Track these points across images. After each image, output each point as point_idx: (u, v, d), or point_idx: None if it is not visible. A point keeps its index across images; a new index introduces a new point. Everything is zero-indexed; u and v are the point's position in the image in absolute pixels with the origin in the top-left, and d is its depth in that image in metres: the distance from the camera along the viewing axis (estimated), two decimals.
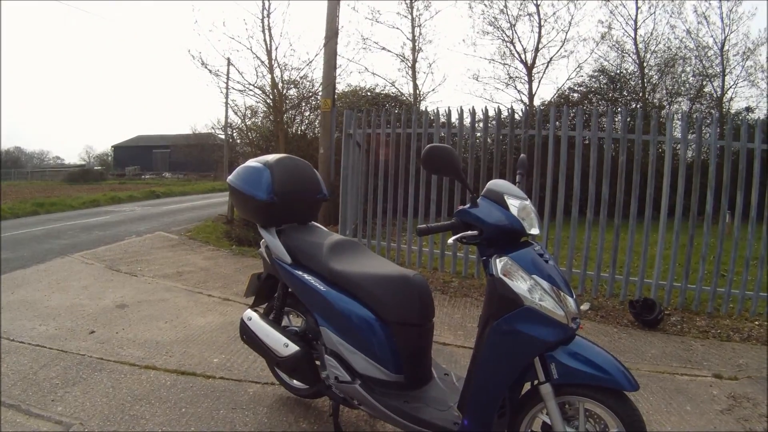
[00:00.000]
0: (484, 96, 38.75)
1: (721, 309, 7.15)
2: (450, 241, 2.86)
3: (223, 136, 50.94)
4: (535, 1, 29.06)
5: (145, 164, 59.57)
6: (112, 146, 68.72)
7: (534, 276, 2.67)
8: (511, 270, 2.68)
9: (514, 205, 2.80)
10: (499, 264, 2.70)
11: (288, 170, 3.85)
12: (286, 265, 3.69)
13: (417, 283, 3.21)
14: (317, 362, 3.65)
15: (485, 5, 30.09)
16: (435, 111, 8.65)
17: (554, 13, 35.90)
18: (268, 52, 12.93)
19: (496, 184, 2.94)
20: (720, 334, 6.37)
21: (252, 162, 3.92)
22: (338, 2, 12.62)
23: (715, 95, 27.31)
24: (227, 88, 14.87)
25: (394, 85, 26.84)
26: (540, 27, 28.60)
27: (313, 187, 4.03)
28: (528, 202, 2.86)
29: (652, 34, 28.76)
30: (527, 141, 8.02)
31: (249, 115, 15.06)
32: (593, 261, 7.65)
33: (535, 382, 2.76)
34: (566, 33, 30.90)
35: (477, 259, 8.27)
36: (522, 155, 3.50)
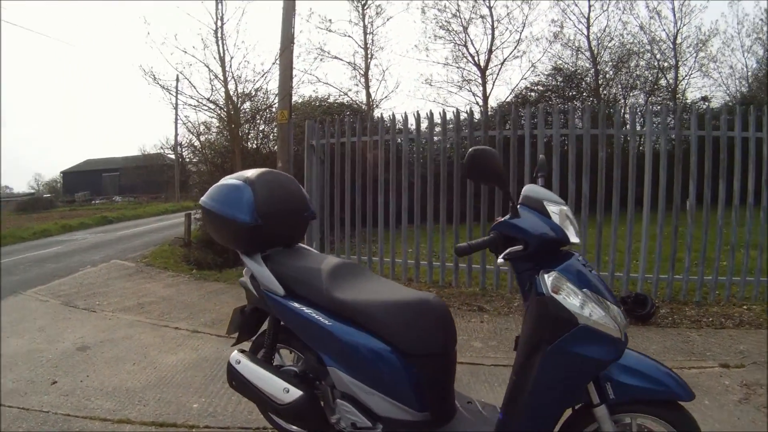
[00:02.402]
0: (437, 100, 38.62)
1: (709, 297, 7.23)
2: (500, 260, 2.56)
3: (173, 156, 50.55)
4: (487, 3, 28.99)
5: (94, 189, 58.06)
6: (60, 172, 67.08)
7: (584, 290, 2.45)
8: (561, 285, 2.44)
9: (554, 212, 2.58)
10: (549, 280, 2.45)
11: (271, 186, 3.39)
12: (278, 298, 3.22)
13: (437, 308, 2.89)
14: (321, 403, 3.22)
15: (438, 10, 30.05)
16: (403, 116, 8.44)
17: (508, 14, 35.85)
18: (223, 64, 12.41)
19: (533, 189, 2.70)
20: (713, 322, 6.44)
21: (228, 179, 3.42)
22: (294, 9, 12.18)
23: (669, 87, 28.02)
24: (176, 105, 14.46)
25: (347, 95, 26.69)
26: (493, 29, 28.91)
27: (299, 204, 3.58)
28: (566, 207, 2.65)
29: (605, 30, 29.11)
30: (487, 142, 7.83)
31: (203, 131, 14.51)
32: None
33: (577, 406, 2.63)
34: (520, 33, 30.82)
35: (481, 270, 7.99)
36: (541, 156, 3.12)
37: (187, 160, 47.08)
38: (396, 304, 2.91)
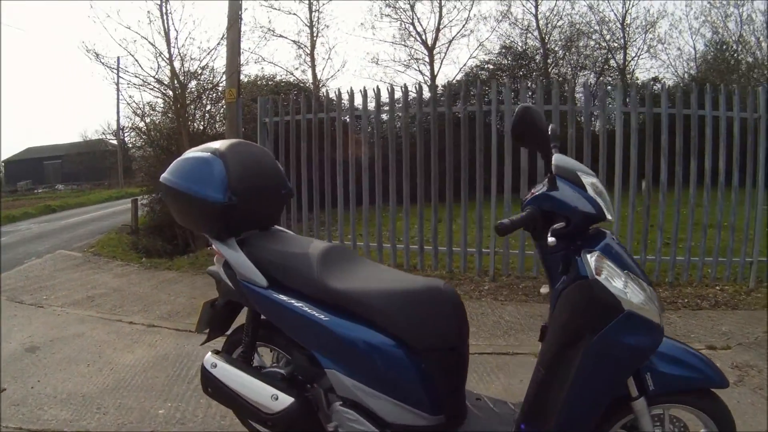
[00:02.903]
0: (384, 80, 38.82)
1: (681, 278, 7.25)
2: (551, 240, 2.22)
3: (115, 142, 49.38)
4: None
5: (37, 178, 56.23)
6: (2, 162, 65.10)
7: (626, 271, 2.25)
8: (602, 266, 2.22)
9: (588, 184, 2.35)
10: (592, 261, 2.21)
11: (244, 159, 2.95)
12: (260, 290, 2.78)
13: (448, 296, 2.54)
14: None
15: None
16: (363, 91, 8.15)
17: None
18: (168, 41, 11.89)
19: (563, 159, 2.48)
20: (689, 303, 6.41)
21: (193, 152, 2.95)
22: None
23: (618, 67, 28.93)
24: (117, 84, 13.91)
25: (293, 74, 26.25)
26: (441, 6, 29.20)
27: (275, 180, 3.16)
28: (597, 179, 2.44)
29: (553, 10, 29.52)
30: (437, 120, 7.73)
31: (147, 112, 13.92)
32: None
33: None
34: (469, 11, 30.93)
35: (500, 253, 7.69)
36: (552, 125, 2.76)
37: (130, 144, 46.46)
38: (402, 292, 2.57)
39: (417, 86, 8.24)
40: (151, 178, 14.01)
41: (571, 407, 2.31)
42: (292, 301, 2.70)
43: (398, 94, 8.15)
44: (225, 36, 11.67)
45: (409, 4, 29.32)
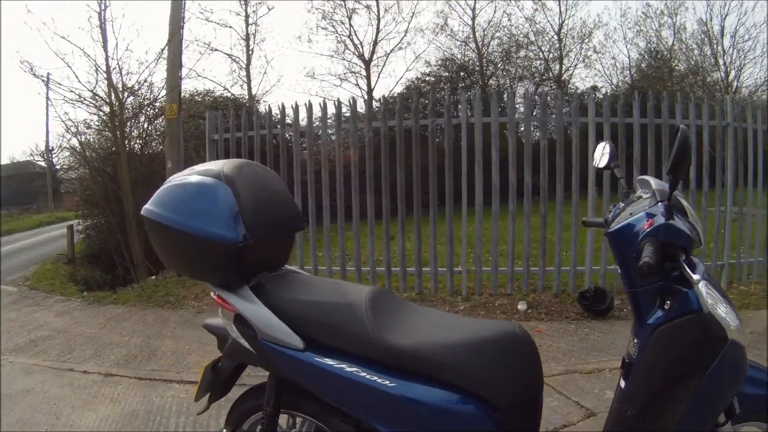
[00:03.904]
0: (320, 94, 38.74)
1: None
2: (698, 278, 2.03)
3: (43, 164, 47.85)
4: None
5: None
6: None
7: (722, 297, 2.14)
8: (710, 296, 2.05)
9: (687, 208, 2.27)
10: (704, 289, 2.03)
11: (255, 185, 2.40)
12: (295, 354, 2.25)
13: (525, 341, 2.17)
14: None
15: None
16: (307, 105, 7.77)
17: (396, 3, 35.79)
18: (106, 53, 11.23)
19: (660, 183, 2.32)
20: None
21: (188, 177, 2.37)
22: None
23: (553, 77, 29.77)
24: (47, 100, 13.28)
25: (228, 90, 25.70)
26: (379, 19, 29.38)
27: (290, 209, 2.64)
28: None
29: (490, 22, 30.04)
30: (371, 134, 7.49)
31: (82, 130, 13.18)
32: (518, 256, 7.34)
33: None
34: (408, 24, 31.00)
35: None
36: (604, 143, 2.81)
37: (60, 166, 45.14)
38: (477, 343, 2.15)
39: (351, 100, 8.02)
40: (87, 201, 13.30)
41: None
42: (343, 366, 2.19)
43: (336, 108, 7.80)
44: (166, 48, 11.11)
45: (346, 16, 29.45)
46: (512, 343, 2.16)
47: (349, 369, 2.17)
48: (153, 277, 10.09)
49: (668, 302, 2.12)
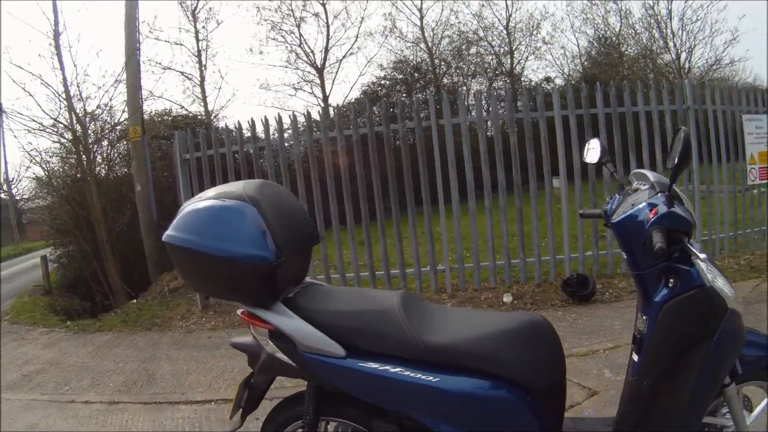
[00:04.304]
0: (275, 105, 38.63)
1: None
2: (703, 256, 2.24)
3: (2, 195, 47.05)
4: (321, 1, 29.45)
5: None
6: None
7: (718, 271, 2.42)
8: (709, 271, 2.33)
9: (683, 196, 2.51)
10: (704, 266, 2.30)
11: (277, 204, 2.47)
12: (337, 361, 2.35)
13: (549, 329, 2.42)
14: None
15: (269, 10, 29.86)
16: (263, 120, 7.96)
17: (344, 8, 35.73)
18: (64, 80, 11.10)
19: (656, 175, 2.60)
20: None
21: (210, 200, 2.41)
22: (137, 13, 11.11)
23: (506, 71, 30.08)
24: (1, 130, 13.07)
25: (185, 108, 25.62)
26: (328, 26, 29.50)
27: (307, 225, 2.74)
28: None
29: (438, 22, 30.40)
30: (328, 144, 7.61)
31: (46, 159, 13.00)
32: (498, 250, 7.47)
33: None
34: (358, 29, 31.01)
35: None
36: (594, 139, 3.04)
37: (19, 197, 44.42)
38: (506, 333, 2.35)
39: (306, 112, 8.10)
40: (57, 230, 13.16)
41: (691, 410, 2.39)
42: (386, 368, 2.32)
43: (306, 120, 7.88)
44: (123, 71, 11.04)
45: (295, 25, 29.42)
46: (538, 331, 2.36)
47: (393, 370, 2.30)
48: (134, 301, 10.02)
49: (672, 280, 2.34)
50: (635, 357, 2.51)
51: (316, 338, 2.36)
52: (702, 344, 2.31)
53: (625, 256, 2.56)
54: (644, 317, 2.45)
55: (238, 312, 2.58)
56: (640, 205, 2.43)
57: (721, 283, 2.32)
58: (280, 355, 2.46)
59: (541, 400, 2.33)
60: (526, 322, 2.40)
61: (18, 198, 45.23)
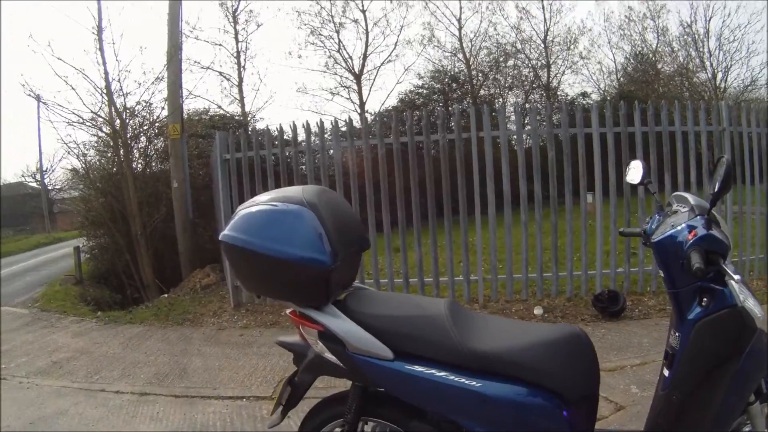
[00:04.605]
0: (311, 109, 38.78)
1: (662, 286, 7.20)
2: (738, 278, 2.28)
3: (34, 185, 47.56)
4: (361, 7, 29.83)
5: None
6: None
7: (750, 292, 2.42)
8: (741, 293, 2.34)
9: (720, 219, 2.64)
10: (737, 287, 2.30)
11: (334, 211, 2.56)
12: (385, 363, 2.44)
13: (586, 342, 2.49)
14: None
15: (309, 14, 29.93)
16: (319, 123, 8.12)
17: (384, 16, 35.80)
18: (106, 75, 11.20)
19: (697, 198, 2.72)
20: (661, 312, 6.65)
21: (271, 204, 2.50)
22: (180, 13, 11.22)
23: (543, 84, 30.08)
24: (39, 124, 13.18)
25: (222, 108, 25.75)
26: (367, 33, 29.73)
27: (360, 232, 2.83)
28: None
29: (476, 33, 30.34)
30: (370, 152, 7.65)
31: (83, 152, 13.07)
32: (528, 262, 7.48)
33: None
34: (398, 36, 31.08)
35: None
36: (636, 161, 3.29)
37: (51, 187, 44.86)
38: (547, 344, 2.44)
39: (348, 119, 8.11)
40: (92, 222, 13.25)
41: (717, 425, 2.45)
42: (432, 371, 2.40)
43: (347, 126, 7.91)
44: (165, 68, 11.14)
45: (335, 30, 29.63)
46: (577, 343, 2.43)
47: (438, 374, 2.37)
48: (165, 296, 10.09)
49: (706, 299, 2.42)
50: (666, 372, 2.59)
51: (366, 340, 2.44)
52: (731, 362, 2.39)
53: (662, 274, 2.63)
54: (677, 334, 2.54)
55: (287, 312, 2.65)
56: (680, 227, 2.53)
57: (751, 304, 2.34)
58: (328, 355, 2.53)
59: (575, 411, 2.39)
60: (566, 334, 2.47)
61: (50, 188, 45.78)
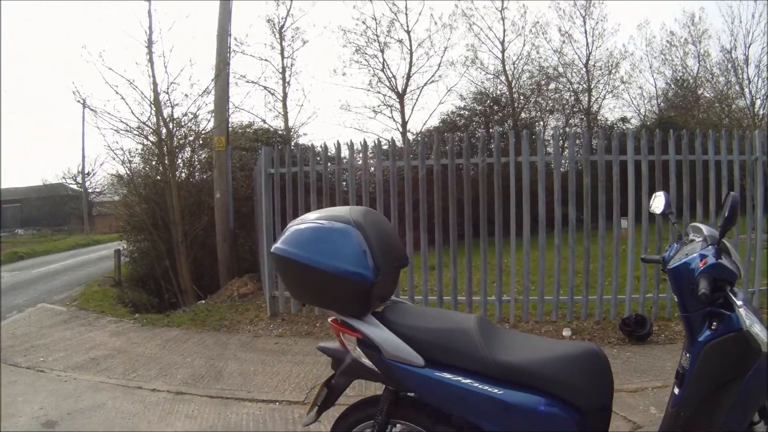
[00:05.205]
0: (354, 126, 38.97)
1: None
2: (744, 310, 2.49)
3: (75, 187, 48.27)
4: (405, 27, 29.83)
5: None
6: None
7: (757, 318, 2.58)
8: (748, 318, 2.50)
9: (731, 249, 2.86)
10: (744, 313, 2.49)
11: (378, 231, 2.79)
12: (416, 370, 2.66)
13: (602, 357, 2.68)
14: None
15: (354, 33, 30.07)
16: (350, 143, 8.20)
17: (428, 37, 35.94)
18: (155, 86, 11.46)
19: (709, 228, 2.95)
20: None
21: (320, 221, 2.74)
22: (229, 29, 11.45)
23: (583, 108, 29.88)
24: (83, 126, 13.48)
25: (266, 122, 25.82)
26: (411, 54, 29.70)
27: (400, 251, 3.07)
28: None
29: (519, 56, 30.29)
30: (411, 172, 7.80)
31: (128, 159, 13.35)
32: (562, 285, 7.57)
33: None
34: (441, 57, 31.06)
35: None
36: (660, 192, 3.54)
37: (92, 190, 45.54)
38: (566, 358, 2.64)
39: (391, 139, 8.43)
40: (134, 227, 13.51)
41: None
42: (459, 379, 2.63)
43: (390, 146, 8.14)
44: (213, 82, 11.38)
45: (380, 50, 29.79)
46: (593, 359, 2.62)
47: (464, 381, 2.60)
48: (203, 302, 10.27)
49: (715, 323, 2.65)
50: (676, 390, 2.80)
51: (400, 348, 2.67)
52: (736, 382, 2.58)
53: (676, 299, 2.83)
54: (688, 355, 2.74)
55: (329, 320, 2.88)
56: (693, 255, 2.76)
57: (758, 329, 2.47)
58: (365, 360, 2.75)
59: (588, 421, 2.58)
60: (584, 350, 2.67)
61: (90, 191, 46.50)
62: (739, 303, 2.52)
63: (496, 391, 2.57)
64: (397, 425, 2.96)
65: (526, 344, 2.82)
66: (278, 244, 2.75)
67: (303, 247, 2.67)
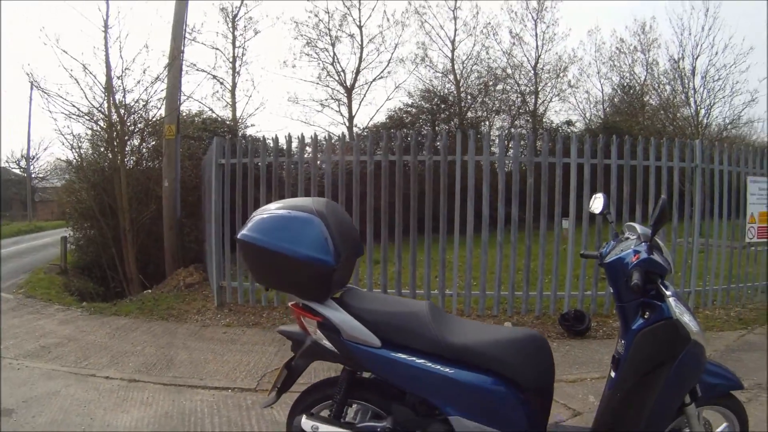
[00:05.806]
0: (301, 119, 39.03)
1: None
2: (673, 301, 2.90)
3: (17, 171, 47.24)
4: (357, 22, 29.98)
5: None
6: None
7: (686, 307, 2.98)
8: (678, 308, 2.88)
9: (663, 245, 3.18)
10: (673, 303, 2.87)
11: (337, 221, 3.00)
12: (373, 350, 2.92)
13: (544, 342, 3.03)
14: None
15: (306, 26, 29.95)
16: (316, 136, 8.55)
17: (380, 33, 35.80)
18: (108, 71, 11.43)
19: (639, 226, 3.26)
20: None
21: (284, 210, 2.94)
22: (185, 16, 11.49)
23: (529, 110, 30.21)
24: (30, 112, 13.33)
25: (213, 111, 25.63)
26: (362, 49, 29.78)
27: (356, 240, 3.31)
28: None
29: (469, 55, 30.50)
30: (359, 168, 8.01)
31: (77, 145, 13.17)
32: (504, 281, 7.86)
33: None
34: (392, 54, 31.13)
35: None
36: (600, 195, 3.77)
37: (35, 175, 44.59)
38: (511, 341, 2.96)
39: (341, 134, 8.76)
40: (80, 214, 13.40)
41: (654, 420, 2.95)
42: (413, 359, 2.89)
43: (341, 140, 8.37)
44: (166, 70, 11.39)
45: (330, 43, 29.85)
46: (535, 342, 2.97)
47: (418, 361, 2.87)
48: (148, 291, 10.32)
49: (647, 313, 2.95)
50: (613, 374, 3.09)
51: (359, 330, 2.92)
52: (665, 366, 2.88)
53: (612, 291, 3.14)
54: (622, 341, 3.04)
55: (289, 304, 3.09)
56: (628, 251, 3.06)
57: (687, 319, 2.86)
58: (326, 342, 2.97)
59: (531, 399, 2.91)
60: (526, 334, 3.03)
61: (33, 176, 45.56)
62: (668, 294, 2.86)
63: (447, 370, 2.84)
64: (354, 405, 3.20)
65: (473, 329, 3.15)
66: (244, 231, 2.92)
67: (268, 234, 2.86)
